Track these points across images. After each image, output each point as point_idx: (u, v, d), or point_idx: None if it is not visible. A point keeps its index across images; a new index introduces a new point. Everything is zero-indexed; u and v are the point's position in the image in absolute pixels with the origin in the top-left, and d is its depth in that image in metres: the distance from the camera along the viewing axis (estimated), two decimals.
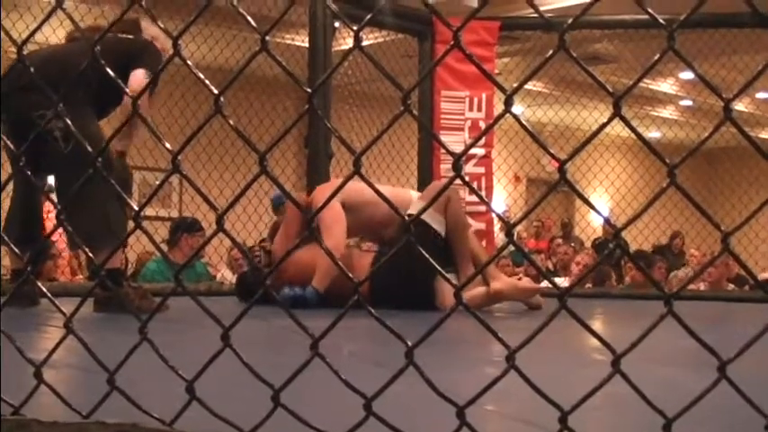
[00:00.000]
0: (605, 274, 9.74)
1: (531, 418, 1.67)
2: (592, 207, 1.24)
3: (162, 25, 1.45)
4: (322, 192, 5.60)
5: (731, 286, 9.89)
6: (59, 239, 7.82)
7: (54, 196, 4.16)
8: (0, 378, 1.51)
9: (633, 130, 1.18)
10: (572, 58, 1.13)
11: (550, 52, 1.14)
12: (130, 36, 4.68)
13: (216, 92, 1.26)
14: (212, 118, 1.30)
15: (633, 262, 10.11)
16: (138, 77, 4.34)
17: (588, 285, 9.37)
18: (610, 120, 1.12)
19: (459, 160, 1.17)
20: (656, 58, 1.13)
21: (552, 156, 1.17)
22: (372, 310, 1.26)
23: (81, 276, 9.33)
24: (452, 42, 1.17)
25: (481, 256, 5.39)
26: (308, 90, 1.22)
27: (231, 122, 1.29)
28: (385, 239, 5.49)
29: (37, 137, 3.99)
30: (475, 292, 5.16)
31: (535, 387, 1.21)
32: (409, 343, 1.24)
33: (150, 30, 4.78)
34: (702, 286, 9.25)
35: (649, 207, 1.18)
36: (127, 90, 1.55)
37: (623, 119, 1.12)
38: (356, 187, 5.30)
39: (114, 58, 4.08)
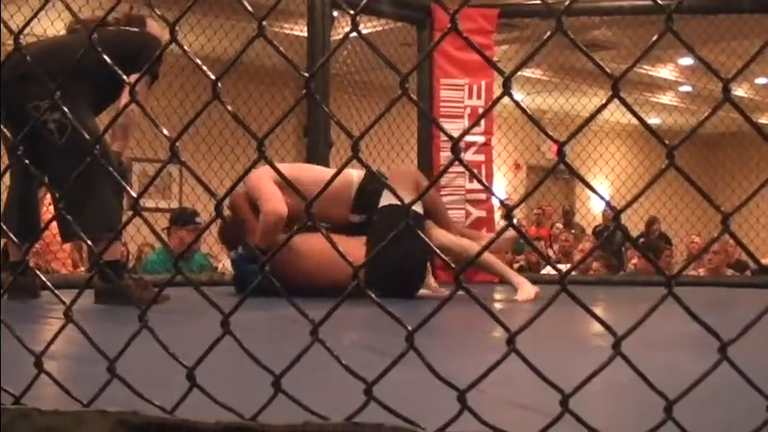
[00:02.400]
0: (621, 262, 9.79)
1: (533, 404, 1.67)
2: (591, 189, 1.24)
3: (159, 12, 1.44)
4: (255, 175, 5.55)
5: (730, 272, 9.89)
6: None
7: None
8: (0, 368, 1.51)
9: (631, 110, 1.18)
10: (569, 39, 1.12)
11: (549, 33, 1.14)
12: (134, 29, 4.68)
13: (213, 77, 1.26)
14: (210, 104, 1.30)
15: (635, 245, 10.13)
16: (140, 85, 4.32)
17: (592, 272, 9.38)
18: (609, 100, 1.12)
19: (458, 143, 1.16)
20: (654, 38, 1.13)
21: (551, 138, 1.16)
22: (373, 295, 1.26)
23: (82, 269, 9.33)
24: (450, 26, 1.17)
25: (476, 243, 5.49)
26: (306, 74, 1.21)
27: (229, 108, 1.29)
28: (335, 219, 5.54)
29: (32, 129, 3.99)
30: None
31: (536, 370, 1.21)
32: (409, 327, 1.24)
33: (155, 28, 4.79)
34: (703, 272, 9.25)
35: (649, 188, 1.18)
36: (126, 79, 1.54)
37: (621, 100, 1.11)
38: (290, 171, 5.41)
39: (115, 50, 4.07)
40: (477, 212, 7.67)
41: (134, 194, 1.41)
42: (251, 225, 5.41)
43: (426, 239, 1.37)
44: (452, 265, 1.24)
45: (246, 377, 1.51)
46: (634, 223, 11.80)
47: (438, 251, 1.38)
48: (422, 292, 5.48)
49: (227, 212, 5.35)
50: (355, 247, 5.02)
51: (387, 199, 5.33)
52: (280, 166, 5.93)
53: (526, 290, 5.25)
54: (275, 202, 5.29)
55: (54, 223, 4.91)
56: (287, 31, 11.56)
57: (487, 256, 5.54)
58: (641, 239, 11.63)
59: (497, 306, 5.06)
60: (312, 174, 5.43)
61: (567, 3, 1.14)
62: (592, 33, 11.58)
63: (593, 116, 1.19)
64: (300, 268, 5.12)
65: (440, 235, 5.42)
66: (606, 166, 10.96)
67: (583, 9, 8.27)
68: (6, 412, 1.31)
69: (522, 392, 1.82)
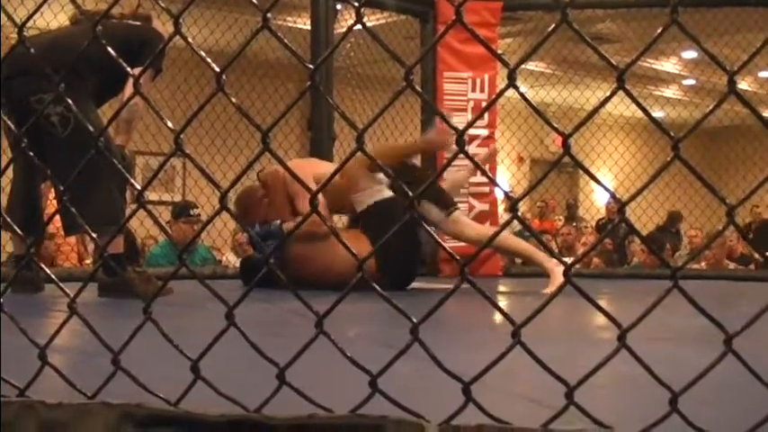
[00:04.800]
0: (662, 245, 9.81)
1: (537, 396, 1.67)
2: (596, 180, 1.23)
3: (162, 4, 1.44)
4: (299, 170, 5.59)
5: (732, 265, 9.89)
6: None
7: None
8: (1, 361, 1.51)
9: (636, 102, 1.18)
10: (574, 31, 1.12)
11: (553, 26, 1.13)
12: (138, 23, 4.69)
13: (218, 69, 1.26)
14: (214, 96, 1.30)
15: (639, 237, 10.12)
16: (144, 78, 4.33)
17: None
18: (614, 92, 1.12)
19: (462, 136, 1.16)
20: (659, 31, 1.12)
21: (556, 129, 1.16)
22: (378, 287, 1.26)
23: (88, 261, 9.34)
24: (454, 17, 1.17)
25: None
26: (311, 66, 1.21)
27: (234, 100, 1.29)
28: (348, 211, 5.62)
29: (35, 122, 4.00)
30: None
31: (541, 362, 1.20)
32: (414, 320, 1.23)
33: (159, 27, 4.80)
34: (704, 265, 9.24)
35: (654, 181, 1.17)
36: (130, 71, 1.54)
37: (626, 91, 1.11)
38: (315, 168, 5.51)
39: (118, 42, 4.07)
40: (480, 206, 7.65)
41: (138, 187, 1.41)
42: (280, 206, 5.46)
43: (429, 230, 1.36)
44: (457, 258, 1.23)
45: (251, 369, 1.51)
46: (637, 216, 11.80)
47: (441, 243, 1.37)
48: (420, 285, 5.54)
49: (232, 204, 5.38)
50: (366, 242, 5.08)
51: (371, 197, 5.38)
52: (305, 161, 5.86)
53: (556, 277, 5.25)
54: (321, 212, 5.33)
55: (57, 217, 4.91)
56: (290, 24, 11.55)
57: (518, 241, 5.68)
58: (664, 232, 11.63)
59: (502, 299, 5.06)
60: (328, 169, 5.51)
61: None
62: (596, 26, 11.56)
63: (598, 108, 1.18)
64: (319, 254, 5.16)
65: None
66: (610, 159, 10.95)
67: (587, 2, 8.26)
68: (11, 405, 1.32)
69: (527, 385, 1.82)
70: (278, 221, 5.40)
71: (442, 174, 4.96)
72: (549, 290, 5.16)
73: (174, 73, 7.80)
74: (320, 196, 5.30)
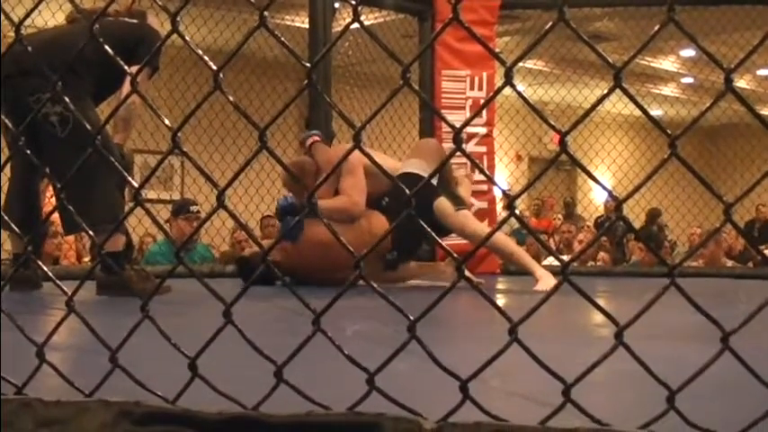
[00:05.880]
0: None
1: (535, 394, 1.67)
2: (593, 179, 1.24)
3: (160, 2, 1.44)
4: (356, 158, 5.63)
5: (731, 263, 9.88)
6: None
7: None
8: (0, 358, 1.51)
9: (633, 100, 1.18)
10: (572, 30, 1.12)
11: (550, 24, 1.14)
12: (134, 21, 4.69)
13: (215, 68, 1.26)
14: (212, 94, 1.30)
15: (636, 235, 10.13)
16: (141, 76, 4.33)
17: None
18: (611, 91, 1.12)
19: (460, 133, 1.16)
20: (656, 28, 1.12)
21: (553, 127, 1.16)
22: (375, 286, 1.26)
23: (87, 260, 9.34)
24: (452, 16, 1.17)
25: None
26: (308, 64, 1.21)
27: (231, 98, 1.29)
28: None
29: (33, 122, 3.99)
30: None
31: (538, 360, 1.21)
32: (412, 317, 1.24)
33: (154, 23, 4.80)
34: (701, 262, 9.23)
35: (651, 178, 1.18)
36: (127, 69, 1.54)
37: (624, 90, 1.11)
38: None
39: (115, 40, 4.07)
40: (478, 204, 7.65)
41: (136, 185, 1.41)
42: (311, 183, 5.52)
43: (425, 225, 1.36)
44: (454, 255, 1.23)
45: (248, 367, 1.51)
46: (636, 214, 11.80)
47: (439, 240, 1.38)
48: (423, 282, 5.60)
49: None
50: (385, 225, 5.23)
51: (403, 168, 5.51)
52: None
53: (546, 282, 5.25)
54: (361, 198, 5.50)
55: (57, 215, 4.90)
56: (288, 23, 11.56)
57: (510, 243, 5.77)
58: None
59: (499, 296, 5.06)
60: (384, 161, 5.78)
61: None
62: (594, 25, 11.57)
63: (595, 106, 1.18)
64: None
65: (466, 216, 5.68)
66: (608, 158, 10.96)
67: (585, 0, 8.26)
68: (8, 402, 1.32)
69: (525, 382, 1.82)
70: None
71: (438, 171, 4.98)
72: (539, 287, 5.17)
73: (171, 71, 7.79)
74: (364, 181, 5.39)
